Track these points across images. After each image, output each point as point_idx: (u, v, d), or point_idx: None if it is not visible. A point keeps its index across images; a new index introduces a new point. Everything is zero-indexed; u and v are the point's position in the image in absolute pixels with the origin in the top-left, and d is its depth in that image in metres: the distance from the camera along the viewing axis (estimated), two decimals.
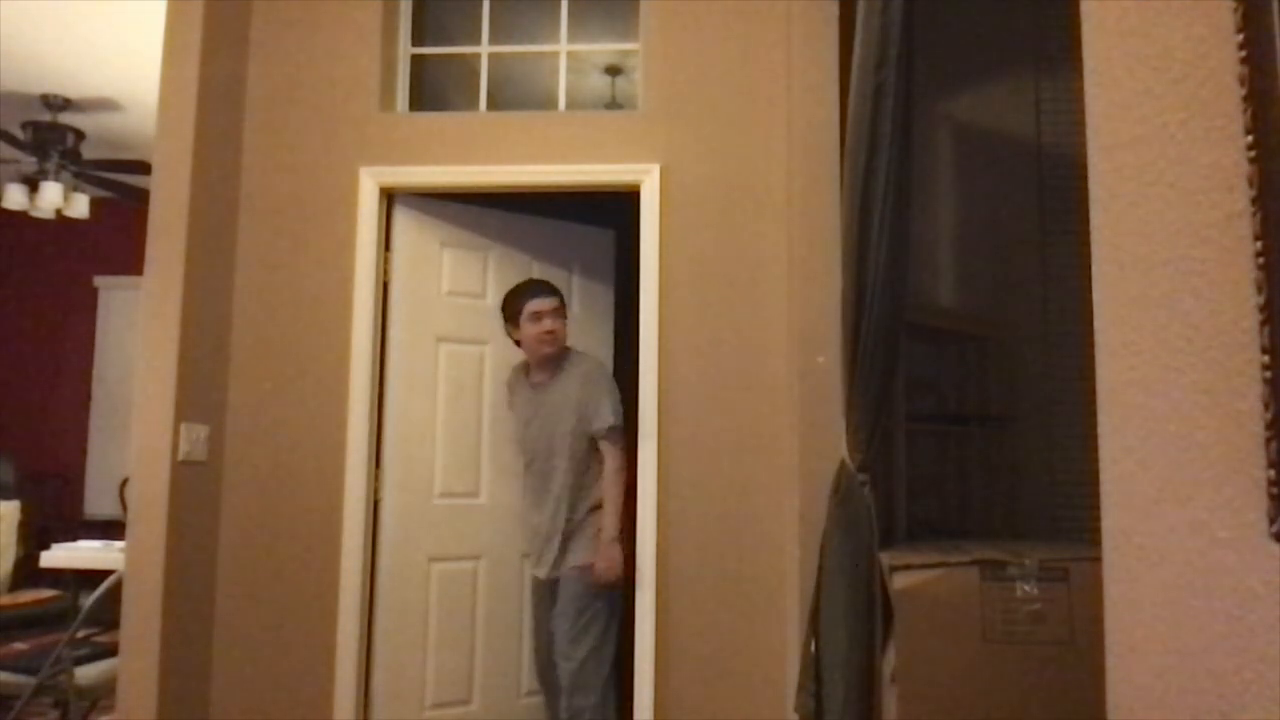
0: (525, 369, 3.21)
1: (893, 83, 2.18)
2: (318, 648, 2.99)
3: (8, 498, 5.14)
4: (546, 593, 3.05)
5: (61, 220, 5.61)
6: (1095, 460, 1.06)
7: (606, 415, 2.99)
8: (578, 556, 2.97)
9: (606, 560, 2.93)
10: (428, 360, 3.23)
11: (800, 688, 2.40)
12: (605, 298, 3.66)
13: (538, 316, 3.06)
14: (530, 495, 3.13)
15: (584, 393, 3.02)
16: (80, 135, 5.26)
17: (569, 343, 3.18)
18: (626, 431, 3.05)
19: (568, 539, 2.99)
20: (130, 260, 5.43)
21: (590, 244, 3.62)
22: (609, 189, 3.15)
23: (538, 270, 3.41)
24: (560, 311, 3.10)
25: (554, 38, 3.37)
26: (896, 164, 2.19)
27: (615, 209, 3.31)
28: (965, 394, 3.03)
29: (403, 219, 3.22)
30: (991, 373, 3.01)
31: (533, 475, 3.12)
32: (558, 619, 2.95)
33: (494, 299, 3.26)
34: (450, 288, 3.30)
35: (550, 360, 3.10)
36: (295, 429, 3.07)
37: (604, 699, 2.89)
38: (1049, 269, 3.01)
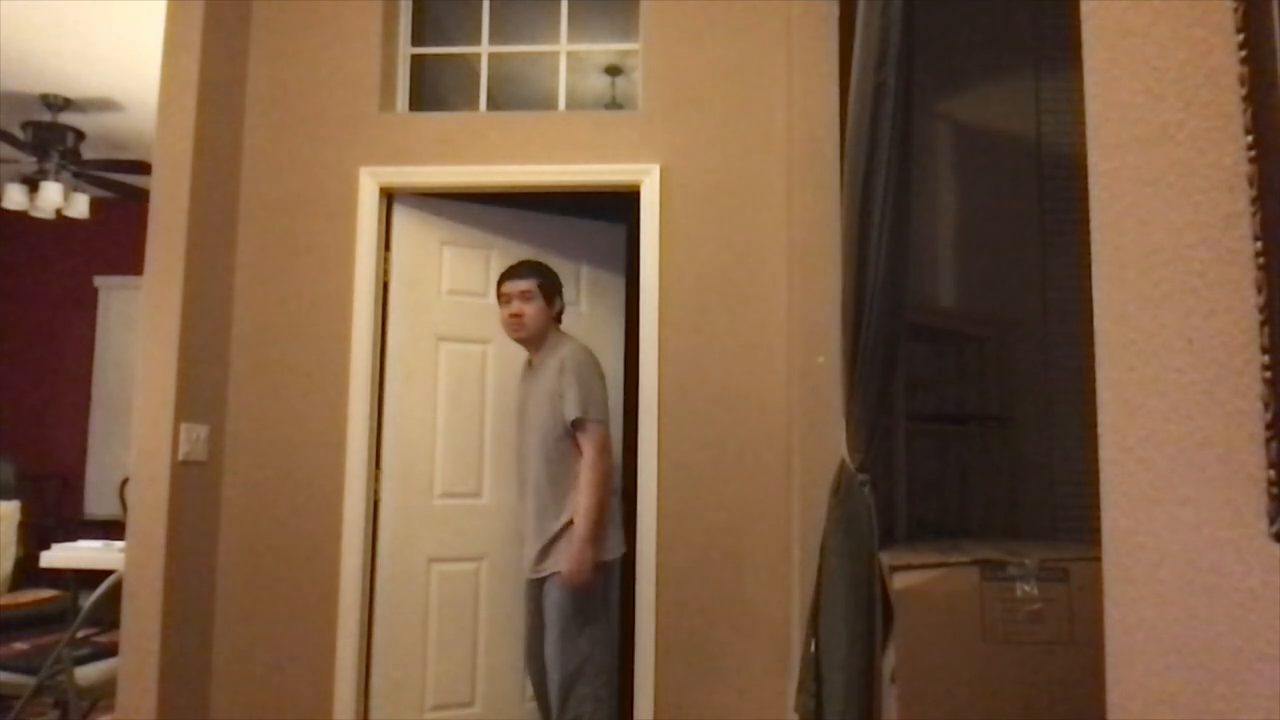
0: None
1: (893, 83, 2.18)
2: (318, 648, 2.99)
3: (8, 498, 5.14)
4: (532, 594, 2.92)
5: (61, 220, 5.61)
6: (1095, 460, 1.06)
7: (571, 407, 2.79)
8: (559, 561, 2.79)
9: (574, 563, 2.74)
10: (428, 359, 3.22)
11: (800, 688, 2.40)
12: (616, 292, 3.58)
13: (506, 299, 2.94)
14: (517, 489, 3.02)
15: (558, 381, 2.83)
16: (80, 135, 5.26)
17: (574, 331, 3.11)
18: (622, 423, 3.02)
19: (554, 540, 2.81)
20: (130, 260, 5.44)
21: (600, 239, 3.56)
22: (609, 189, 3.15)
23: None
24: (528, 295, 2.91)
25: (554, 38, 3.38)
26: (896, 164, 2.19)
27: (627, 204, 3.24)
28: (965, 394, 3.03)
29: (402, 217, 3.22)
30: (991, 373, 3.01)
31: (519, 468, 3.00)
32: (547, 628, 2.82)
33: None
34: (451, 286, 3.29)
35: (537, 345, 2.96)
36: (295, 429, 3.07)
37: (600, 707, 2.77)
38: (1049, 269, 3.01)
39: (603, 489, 2.79)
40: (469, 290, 3.33)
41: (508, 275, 2.97)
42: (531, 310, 2.91)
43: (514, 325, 2.93)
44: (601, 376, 2.90)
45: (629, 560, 2.98)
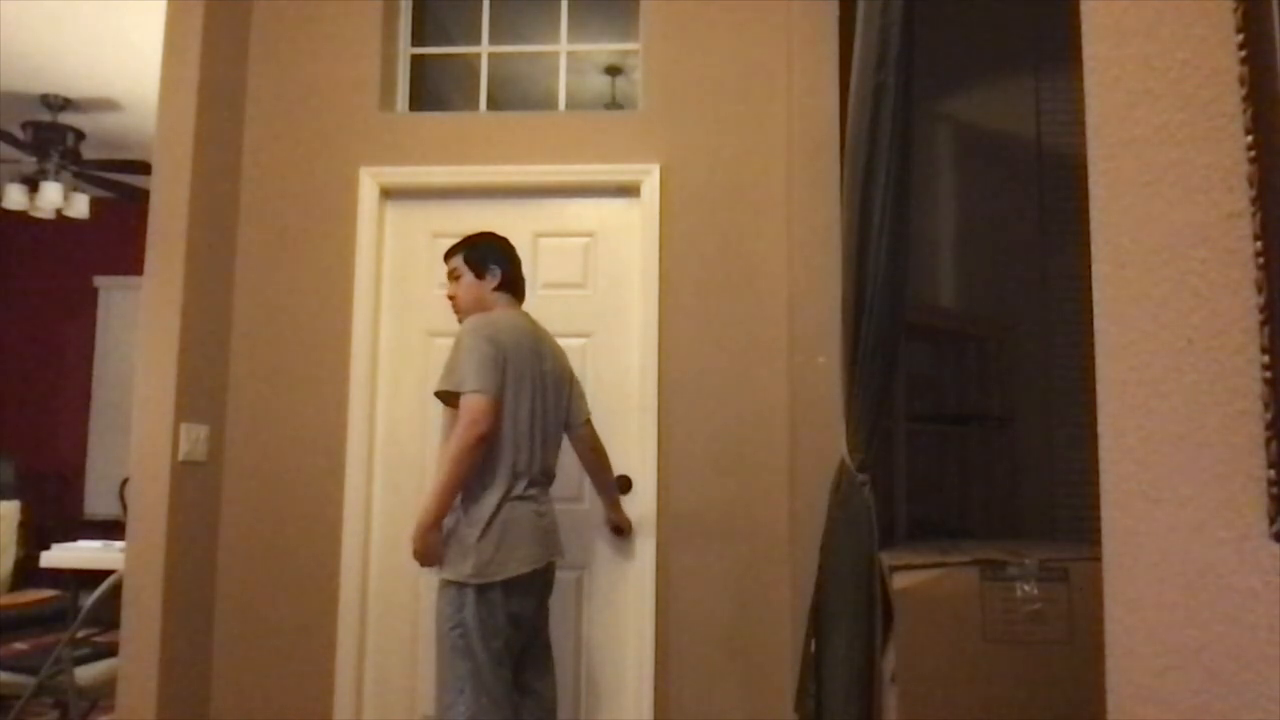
0: None
1: (893, 83, 2.18)
2: (318, 648, 2.99)
3: (8, 498, 5.14)
4: None
5: (61, 220, 5.61)
6: (1095, 460, 1.06)
7: (438, 381, 2.50)
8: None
9: (414, 542, 2.43)
10: (420, 357, 3.18)
11: (800, 688, 2.41)
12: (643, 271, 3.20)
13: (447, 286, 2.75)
14: None
15: None
16: (80, 135, 5.26)
17: (581, 314, 3.04)
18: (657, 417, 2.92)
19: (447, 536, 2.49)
20: (130, 260, 5.44)
21: (616, 217, 3.23)
22: (609, 189, 3.14)
23: (544, 247, 3.18)
24: (456, 274, 2.67)
25: (554, 38, 3.37)
26: (896, 164, 2.19)
27: None
28: (965, 394, 3.04)
29: (393, 209, 3.19)
30: (991, 373, 3.01)
31: None
32: None
33: None
34: (444, 279, 3.20)
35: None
36: (295, 429, 3.07)
37: None
38: (1049, 269, 3.01)
39: (457, 465, 2.38)
40: None
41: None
42: (460, 288, 2.67)
43: (451, 308, 2.70)
44: (490, 342, 2.47)
45: (622, 559, 2.98)
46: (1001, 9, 3.08)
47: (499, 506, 2.45)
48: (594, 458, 2.79)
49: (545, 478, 2.59)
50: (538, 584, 2.54)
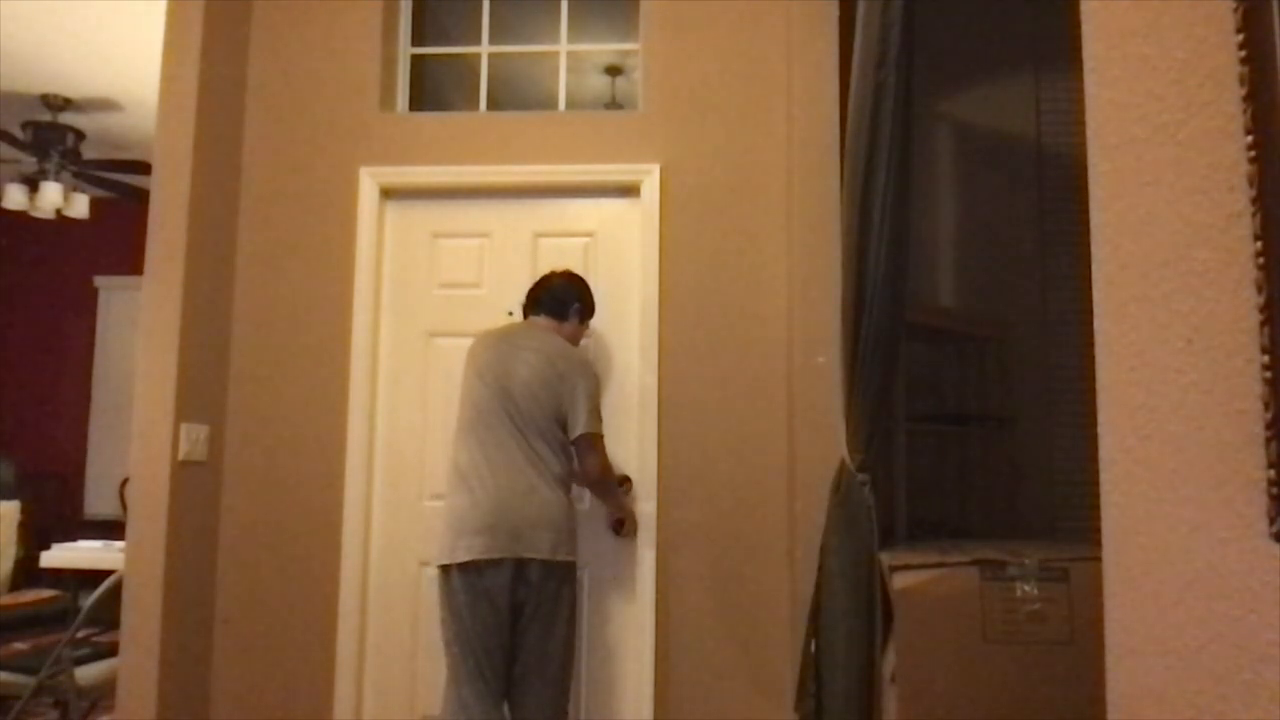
0: None
1: (893, 83, 2.18)
2: (318, 648, 2.99)
3: (8, 498, 5.14)
4: None
5: (61, 220, 5.61)
6: (1095, 460, 1.06)
7: None
8: None
9: None
10: (418, 357, 3.18)
11: (800, 688, 2.41)
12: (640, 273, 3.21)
13: None
14: None
15: None
16: (80, 135, 5.26)
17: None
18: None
19: None
20: (130, 260, 5.43)
21: (614, 217, 3.22)
22: (609, 189, 3.13)
23: (544, 247, 3.18)
24: None
25: (554, 38, 3.37)
26: (896, 164, 2.19)
27: None
28: (965, 394, 3.03)
29: (392, 209, 3.19)
30: (991, 373, 3.01)
31: None
32: None
33: (490, 289, 3.17)
34: (443, 279, 3.21)
35: None
36: (295, 429, 3.07)
37: None
38: (1049, 269, 3.01)
39: None
40: (462, 283, 3.23)
41: None
42: None
43: None
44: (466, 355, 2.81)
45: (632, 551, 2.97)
46: (1001, 9, 3.08)
47: (451, 495, 2.63)
48: (584, 480, 2.78)
49: (504, 471, 2.57)
50: (501, 581, 2.49)
